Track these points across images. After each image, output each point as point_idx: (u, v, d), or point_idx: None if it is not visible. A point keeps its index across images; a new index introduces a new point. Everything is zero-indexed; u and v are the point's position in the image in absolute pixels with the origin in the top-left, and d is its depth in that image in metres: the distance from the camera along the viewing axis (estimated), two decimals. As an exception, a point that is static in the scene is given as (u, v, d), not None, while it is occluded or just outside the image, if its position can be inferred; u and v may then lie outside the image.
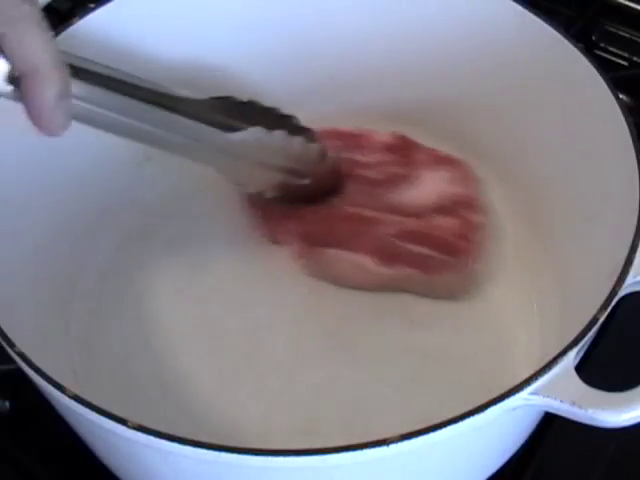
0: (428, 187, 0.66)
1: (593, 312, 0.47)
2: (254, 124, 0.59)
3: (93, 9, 0.65)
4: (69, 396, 0.45)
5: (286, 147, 0.61)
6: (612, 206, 0.55)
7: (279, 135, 0.60)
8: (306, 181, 0.63)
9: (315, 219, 0.65)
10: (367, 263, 0.62)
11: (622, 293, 0.48)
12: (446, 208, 0.65)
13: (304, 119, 0.73)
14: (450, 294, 0.63)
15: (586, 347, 0.49)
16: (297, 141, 0.61)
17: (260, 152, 0.60)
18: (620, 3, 0.84)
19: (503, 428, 0.49)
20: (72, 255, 0.65)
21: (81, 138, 0.65)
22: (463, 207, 0.65)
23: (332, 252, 0.63)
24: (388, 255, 0.63)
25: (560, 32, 0.61)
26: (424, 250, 0.63)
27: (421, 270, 0.62)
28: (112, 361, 0.61)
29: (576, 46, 0.60)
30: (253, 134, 0.59)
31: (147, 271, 0.66)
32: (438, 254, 0.62)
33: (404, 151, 0.69)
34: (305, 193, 0.64)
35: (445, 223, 0.64)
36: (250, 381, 0.60)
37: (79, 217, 0.66)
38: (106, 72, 0.53)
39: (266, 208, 0.66)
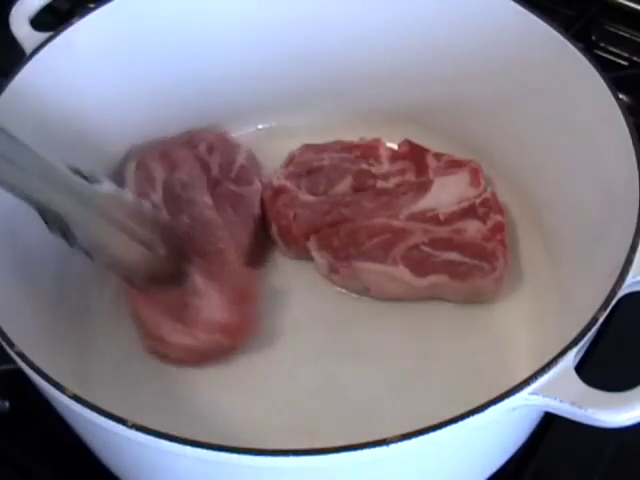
0: (446, 192, 0.66)
1: (593, 312, 0.47)
2: None
3: (93, 9, 0.65)
4: (69, 396, 0.45)
5: (128, 204, 0.59)
6: (612, 206, 0.55)
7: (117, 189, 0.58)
8: (162, 251, 0.60)
9: (342, 234, 0.64)
10: (402, 274, 0.62)
11: (622, 293, 0.48)
12: (469, 211, 0.65)
13: (305, 123, 0.73)
14: (480, 298, 0.63)
15: (586, 347, 0.49)
16: (128, 195, 0.59)
17: (115, 209, 0.57)
18: (620, 3, 0.84)
19: (503, 428, 0.49)
20: (72, 256, 0.64)
21: (82, 138, 0.66)
22: (483, 208, 0.65)
23: (365, 265, 0.63)
24: (422, 265, 0.62)
25: (560, 32, 0.61)
26: (456, 257, 0.63)
27: (454, 277, 0.62)
28: (112, 361, 0.61)
29: (576, 46, 0.60)
30: (111, 185, 0.57)
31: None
32: (470, 259, 0.62)
33: (414, 159, 0.69)
34: (166, 267, 0.60)
35: (471, 227, 0.64)
36: (250, 382, 0.60)
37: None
38: None
39: (286, 226, 0.65)
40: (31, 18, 0.65)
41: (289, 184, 0.67)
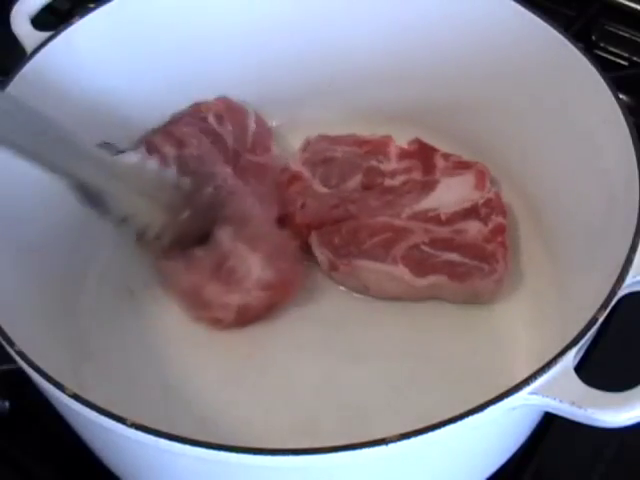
0: (451, 193, 0.66)
1: (593, 312, 0.47)
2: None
3: (93, 9, 0.65)
4: (69, 395, 0.45)
5: (152, 172, 0.61)
6: (612, 206, 0.55)
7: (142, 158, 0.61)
8: (187, 215, 0.61)
9: (343, 231, 0.64)
10: (402, 274, 0.62)
11: (622, 293, 0.48)
12: (470, 212, 0.65)
13: (307, 123, 0.73)
14: (480, 299, 0.63)
15: (586, 347, 0.49)
16: (151, 164, 0.62)
17: (140, 178, 0.60)
18: (620, 3, 0.84)
19: (503, 428, 0.49)
20: (72, 255, 0.65)
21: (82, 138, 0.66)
22: (485, 209, 0.65)
23: (365, 264, 0.63)
24: (422, 265, 0.62)
25: (560, 32, 0.61)
26: (456, 257, 0.63)
27: (454, 277, 0.62)
28: (112, 361, 0.61)
29: (576, 46, 0.60)
30: (134, 155, 0.61)
31: (147, 271, 0.66)
32: (470, 260, 0.62)
33: (422, 157, 0.68)
34: (192, 229, 0.62)
35: (473, 228, 0.64)
36: (250, 381, 0.60)
37: (79, 217, 0.66)
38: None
39: (292, 214, 0.65)
40: (32, 17, 0.65)
41: (305, 171, 0.67)
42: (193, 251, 0.62)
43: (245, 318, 0.61)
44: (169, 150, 0.65)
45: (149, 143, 0.66)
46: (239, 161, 0.67)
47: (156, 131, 0.67)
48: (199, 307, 0.62)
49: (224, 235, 0.62)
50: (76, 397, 0.44)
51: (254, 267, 0.60)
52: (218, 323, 0.61)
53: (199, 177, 0.63)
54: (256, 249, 0.61)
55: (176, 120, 0.68)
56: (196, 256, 0.61)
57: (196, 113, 0.68)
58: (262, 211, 0.63)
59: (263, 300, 0.61)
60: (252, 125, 0.68)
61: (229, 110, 0.69)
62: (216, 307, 0.61)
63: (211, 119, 0.68)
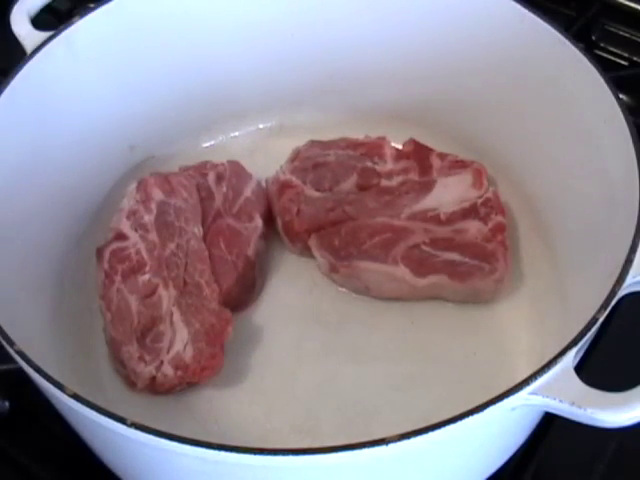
0: (449, 192, 0.66)
1: (593, 312, 0.47)
2: None
3: (93, 9, 0.65)
4: (69, 395, 0.45)
5: None
6: (612, 206, 0.55)
7: None
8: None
9: (342, 232, 0.64)
10: (403, 274, 0.62)
11: (622, 293, 0.48)
12: (470, 211, 0.65)
13: (306, 122, 0.73)
14: (480, 298, 0.63)
15: (586, 347, 0.49)
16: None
17: None
18: (620, 3, 0.84)
19: (503, 428, 0.49)
20: (72, 255, 0.65)
21: (82, 137, 0.66)
22: (484, 208, 0.65)
23: (365, 264, 0.63)
24: (423, 265, 0.62)
25: (560, 32, 0.61)
26: (456, 257, 0.63)
27: (454, 277, 0.62)
28: (111, 360, 0.61)
29: (576, 46, 0.60)
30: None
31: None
32: (470, 259, 0.62)
33: (418, 158, 0.68)
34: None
35: (472, 227, 0.64)
36: (250, 381, 0.60)
37: (79, 216, 0.66)
38: None
39: (289, 222, 0.65)
40: (32, 17, 0.66)
41: (294, 179, 0.67)
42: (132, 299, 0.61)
43: (158, 390, 0.59)
44: (157, 194, 0.65)
45: (142, 182, 0.65)
46: (219, 222, 0.65)
47: (158, 174, 0.67)
48: (117, 361, 0.60)
49: (166, 296, 0.60)
50: (76, 397, 0.45)
51: (178, 342, 0.58)
52: (133, 385, 0.59)
53: (168, 229, 0.63)
54: (189, 323, 0.59)
55: (181, 170, 0.68)
56: (133, 308, 0.60)
57: (201, 168, 0.68)
58: (212, 283, 0.62)
59: (171, 379, 0.58)
60: (247, 192, 0.67)
61: (232, 173, 0.68)
62: (130, 370, 0.59)
63: (211, 177, 0.67)
